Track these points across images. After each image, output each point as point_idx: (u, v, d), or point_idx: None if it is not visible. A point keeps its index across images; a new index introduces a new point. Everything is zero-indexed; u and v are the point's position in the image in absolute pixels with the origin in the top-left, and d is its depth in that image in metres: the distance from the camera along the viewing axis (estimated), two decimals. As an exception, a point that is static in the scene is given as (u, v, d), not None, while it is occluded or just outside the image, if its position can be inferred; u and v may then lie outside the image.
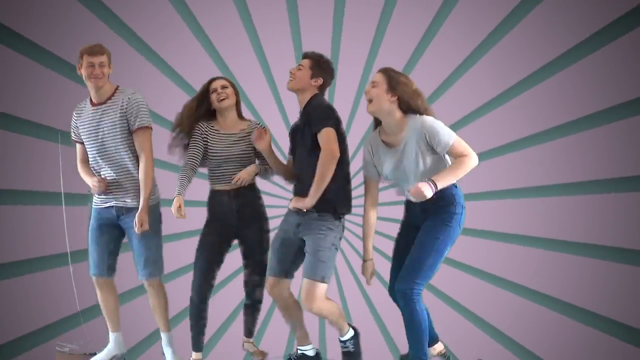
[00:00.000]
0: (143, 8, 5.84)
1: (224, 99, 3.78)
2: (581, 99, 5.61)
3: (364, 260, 3.62)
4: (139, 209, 3.68)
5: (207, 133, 3.80)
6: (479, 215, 5.87)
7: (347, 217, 3.63)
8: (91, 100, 3.74)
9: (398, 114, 3.36)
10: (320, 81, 3.56)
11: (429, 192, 3.17)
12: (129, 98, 3.69)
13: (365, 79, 6.05)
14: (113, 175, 3.72)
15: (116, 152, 3.70)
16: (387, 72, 3.39)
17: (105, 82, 3.68)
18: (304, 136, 3.50)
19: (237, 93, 3.87)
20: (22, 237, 5.61)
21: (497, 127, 5.84)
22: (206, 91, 3.83)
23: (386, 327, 6.35)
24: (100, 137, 3.69)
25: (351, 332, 3.69)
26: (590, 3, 5.47)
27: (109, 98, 3.71)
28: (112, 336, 3.92)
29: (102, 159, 3.72)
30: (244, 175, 3.72)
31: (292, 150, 3.68)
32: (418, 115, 3.35)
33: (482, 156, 5.86)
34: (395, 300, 3.49)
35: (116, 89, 3.74)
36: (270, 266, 3.68)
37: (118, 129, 3.68)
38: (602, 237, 5.54)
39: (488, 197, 5.96)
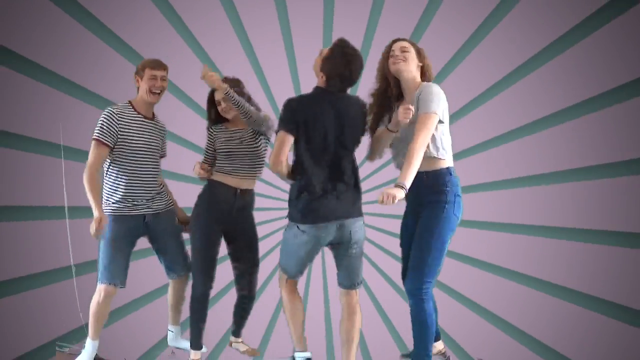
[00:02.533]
0: (133, 18, 5.84)
1: (229, 111, 3.90)
2: (574, 85, 5.62)
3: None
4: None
5: (216, 136, 3.96)
6: (479, 206, 5.87)
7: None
8: (137, 109, 3.87)
9: (418, 78, 3.44)
10: (323, 76, 3.44)
11: (400, 193, 3.13)
12: (164, 126, 4.04)
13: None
14: (149, 185, 3.87)
15: (157, 164, 3.95)
16: (411, 42, 3.50)
17: (160, 97, 3.92)
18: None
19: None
20: (24, 252, 5.62)
21: (492, 118, 5.85)
22: (211, 101, 3.98)
23: (392, 324, 6.36)
24: (151, 148, 3.87)
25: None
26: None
27: (154, 116, 3.96)
28: (93, 344, 3.94)
29: (145, 169, 3.86)
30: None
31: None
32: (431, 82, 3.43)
33: (479, 147, 5.93)
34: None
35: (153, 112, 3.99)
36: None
37: (162, 145, 3.99)
38: (604, 222, 5.55)
39: (488, 188, 5.96)
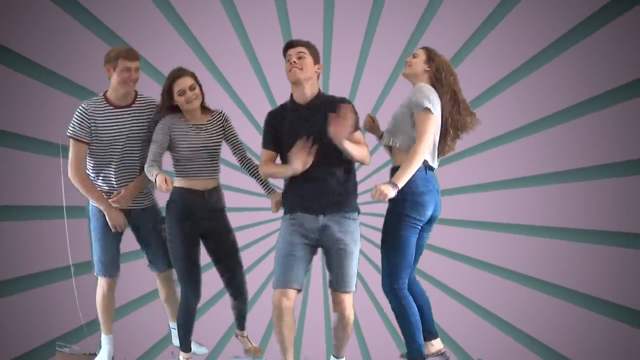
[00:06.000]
0: (133, 18, 5.83)
1: (194, 100, 3.59)
2: (575, 85, 5.62)
3: None
4: None
5: (173, 127, 3.61)
6: (479, 206, 5.87)
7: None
8: (110, 101, 3.68)
9: (424, 82, 3.43)
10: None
11: (391, 192, 3.19)
12: (152, 101, 3.77)
13: (360, 75, 6.04)
14: (131, 178, 3.76)
15: (140, 154, 3.73)
16: (428, 48, 3.51)
17: (134, 86, 3.69)
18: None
19: (200, 85, 3.65)
20: (22, 252, 5.61)
21: (492, 118, 5.85)
22: (169, 89, 3.57)
23: (391, 321, 6.36)
24: (127, 139, 3.69)
25: None
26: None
27: (134, 101, 3.72)
28: (108, 339, 3.95)
29: (122, 161, 3.73)
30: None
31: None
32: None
33: (479, 148, 5.92)
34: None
35: (136, 92, 3.75)
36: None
37: (146, 133, 3.71)
38: (604, 223, 5.55)
39: (488, 188, 5.96)
